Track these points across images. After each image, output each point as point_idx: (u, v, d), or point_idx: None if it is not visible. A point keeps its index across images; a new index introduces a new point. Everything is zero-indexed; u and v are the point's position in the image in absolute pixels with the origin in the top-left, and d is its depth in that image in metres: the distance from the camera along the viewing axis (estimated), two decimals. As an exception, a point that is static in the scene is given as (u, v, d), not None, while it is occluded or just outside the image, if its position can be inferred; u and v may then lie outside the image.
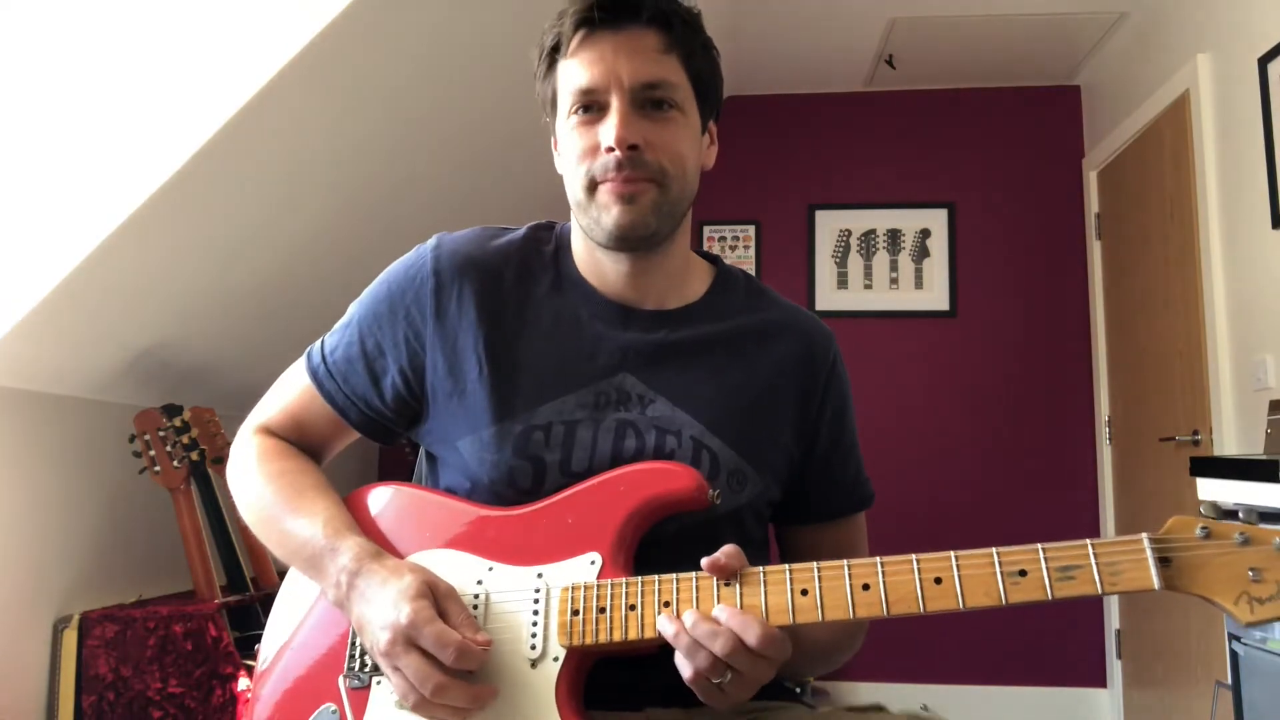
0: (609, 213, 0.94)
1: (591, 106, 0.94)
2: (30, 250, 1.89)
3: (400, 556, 0.93)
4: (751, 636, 0.78)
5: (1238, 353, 2.64)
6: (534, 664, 0.86)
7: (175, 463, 2.25)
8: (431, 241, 1.04)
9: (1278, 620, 0.72)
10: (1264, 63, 2.47)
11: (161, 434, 2.25)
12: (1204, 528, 0.74)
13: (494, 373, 0.98)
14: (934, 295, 3.82)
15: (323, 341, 1.07)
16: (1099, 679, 3.56)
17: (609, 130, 0.92)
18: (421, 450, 1.10)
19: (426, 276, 1.01)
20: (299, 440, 1.08)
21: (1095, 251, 3.69)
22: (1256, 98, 2.50)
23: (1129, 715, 3.40)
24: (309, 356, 1.07)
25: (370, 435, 1.06)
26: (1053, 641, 3.59)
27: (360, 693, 0.91)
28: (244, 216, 2.25)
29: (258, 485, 1.02)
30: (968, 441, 3.71)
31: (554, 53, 0.97)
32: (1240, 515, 0.74)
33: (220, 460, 2.31)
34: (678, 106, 0.95)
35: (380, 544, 0.94)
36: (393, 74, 2.29)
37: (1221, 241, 2.71)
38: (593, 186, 0.95)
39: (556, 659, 0.85)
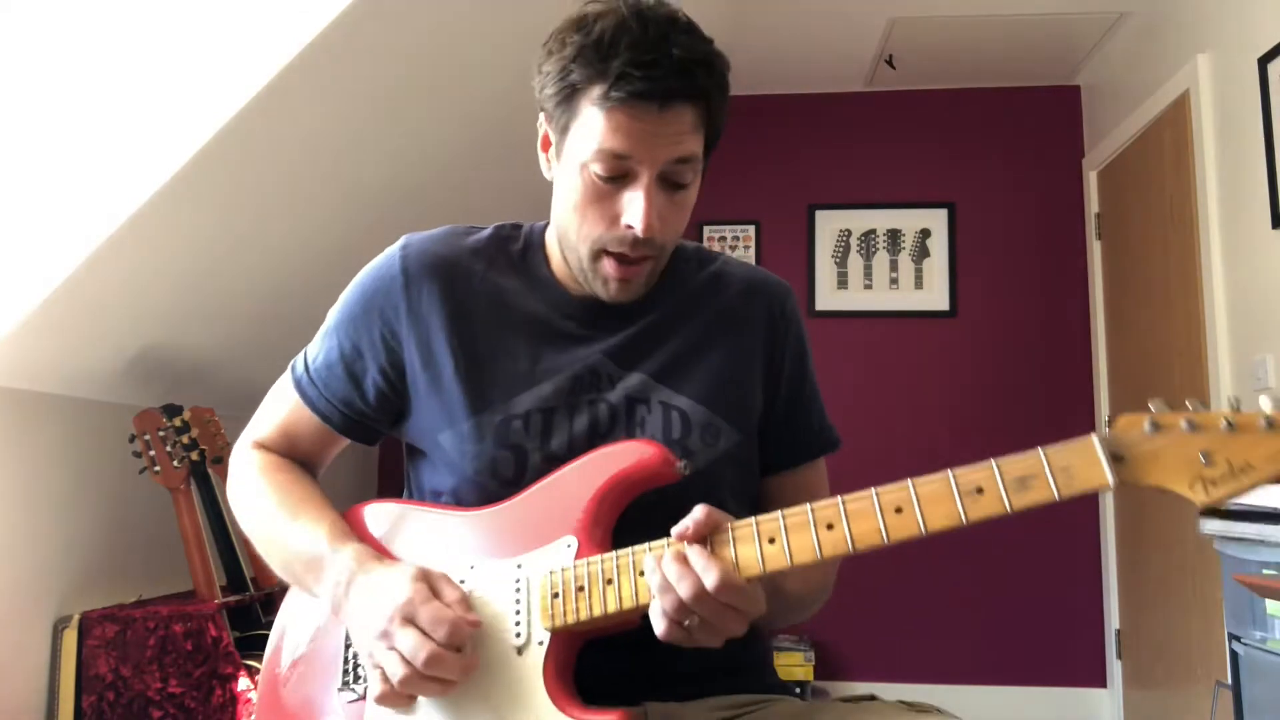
0: (607, 286, 0.97)
1: (616, 169, 0.91)
2: (31, 251, 1.90)
3: None
4: (709, 580, 0.78)
5: (1238, 353, 2.64)
6: (520, 651, 0.87)
7: (175, 463, 2.25)
8: (400, 242, 1.06)
9: (1231, 498, 0.72)
10: (1264, 63, 2.47)
11: (161, 434, 2.25)
12: (1152, 422, 0.74)
13: (468, 366, 0.99)
14: (934, 295, 3.82)
15: (305, 352, 1.09)
16: (1099, 679, 3.56)
17: (636, 214, 0.91)
18: (404, 447, 1.11)
19: (396, 275, 1.03)
20: (292, 454, 1.10)
21: (1095, 251, 3.68)
22: (1256, 98, 2.50)
23: (1129, 715, 3.40)
24: (293, 368, 1.09)
25: (355, 438, 1.08)
26: (1053, 641, 3.59)
27: (356, 704, 0.92)
28: (243, 217, 2.25)
29: (260, 496, 1.04)
30: (967, 442, 3.70)
31: (585, 88, 0.90)
32: (1189, 405, 0.74)
33: (220, 460, 2.31)
34: (693, 180, 0.96)
35: None
36: (391, 76, 2.30)
37: (1221, 241, 2.71)
38: (598, 255, 0.96)
39: (541, 643, 0.86)
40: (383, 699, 0.85)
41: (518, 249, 1.07)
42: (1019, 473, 0.75)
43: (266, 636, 1.06)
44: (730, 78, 0.97)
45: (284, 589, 1.06)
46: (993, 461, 0.77)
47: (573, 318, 1.02)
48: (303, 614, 1.02)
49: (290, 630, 1.03)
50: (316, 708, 0.95)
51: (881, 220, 3.86)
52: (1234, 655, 1.93)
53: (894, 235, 3.85)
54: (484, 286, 1.03)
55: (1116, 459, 0.74)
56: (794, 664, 3.24)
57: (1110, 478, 0.73)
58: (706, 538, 0.83)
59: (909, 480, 0.79)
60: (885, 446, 3.60)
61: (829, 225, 3.89)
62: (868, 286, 3.85)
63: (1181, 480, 0.72)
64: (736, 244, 3.89)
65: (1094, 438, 0.74)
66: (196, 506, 2.28)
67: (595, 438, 0.97)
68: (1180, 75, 2.92)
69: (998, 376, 3.74)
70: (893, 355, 3.78)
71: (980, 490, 0.76)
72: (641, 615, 0.84)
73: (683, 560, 0.80)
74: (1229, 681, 1.96)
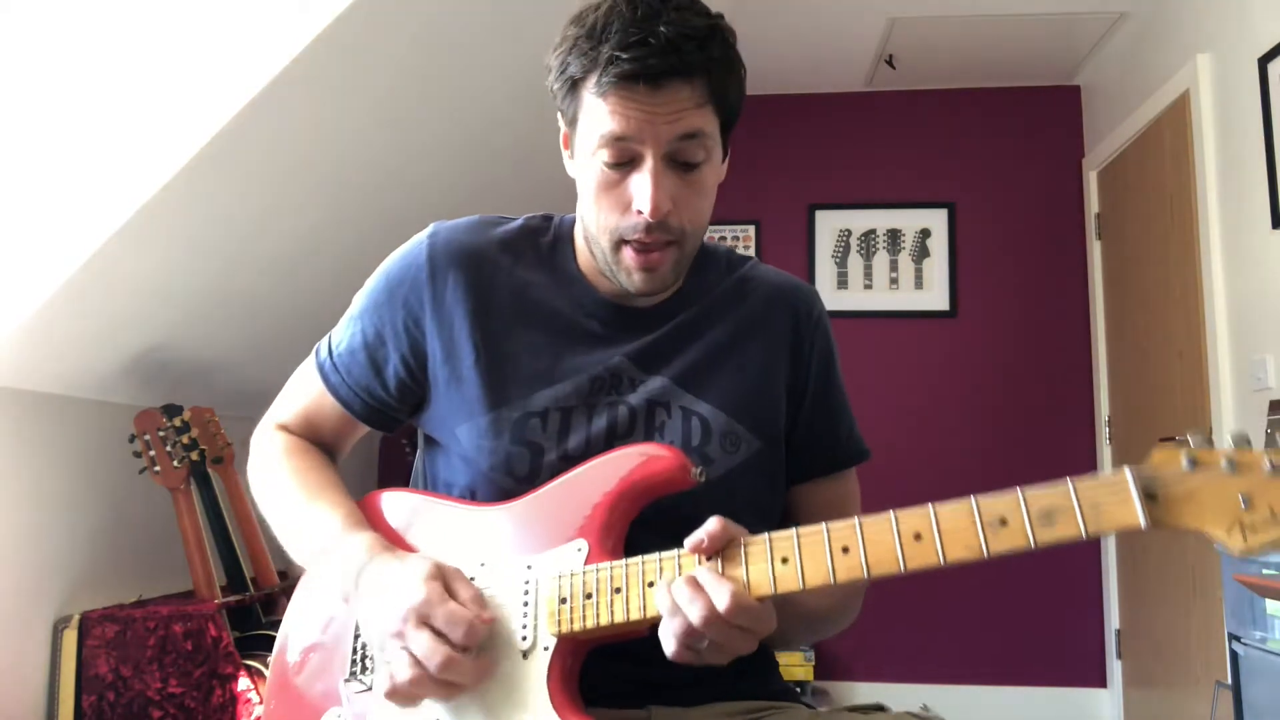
0: (630, 277, 0.95)
1: (621, 154, 0.91)
2: (32, 251, 1.90)
3: None
4: (721, 603, 0.77)
5: (1238, 353, 2.64)
6: (526, 655, 0.86)
7: (175, 463, 2.25)
8: (428, 229, 1.05)
9: (1271, 547, 0.67)
10: (1264, 63, 2.47)
11: (161, 434, 2.25)
12: (1190, 458, 0.69)
13: (489, 360, 0.99)
14: (934, 295, 3.82)
15: (330, 336, 1.09)
16: (1099, 679, 3.56)
17: (643, 196, 0.90)
18: (420, 436, 1.11)
19: (422, 264, 1.02)
20: (313, 438, 1.09)
21: (1095, 251, 3.69)
22: (1256, 98, 2.50)
23: (1129, 715, 3.40)
24: (317, 352, 1.08)
25: (375, 425, 1.08)
26: (1053, 641, 3.59)
27: (363, 695, 0.91)
28: (244, 217, 2.25)
29: (279, 477, 1.04)
30: (967, 442, 3.71)
31: (584, 78, 0.91)
32: (1231, 440, 0.69)
33: (220, 460, 2.31)
34: (706, 159, 0.93)
35: None
36: (391, 75, 2.29)
37: (1221, 241, 2.71)
38: (618, 245, 0.94)
39: (547, 648, 0.86)
40: (391, 695, 0.84)
41: (546, 242, 1.05)
42: (1045, 505, 0.72)
43: (267, 636, 1.06)
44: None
45: (284, 589, 1.06)
46: (1019, 490, 0.73)
47: (596, 317, 1.02)
48: (314, 603, 1.02)
49: (301, 619, 1.03)
50: (324, 697, 0.95)
51: (881, 220, 3.86)
52: (1234, 655, 1.93)
53: (894, 235, 3.85)
54: (510, 280, 1.02)
55: (1149, 497, 0.69)
56: (794, 664, 3.24)
57: (1142, 518, 0.68)
58: (718, 552, 0.82)
59: (930, 505, 0.76)
60: (885, 448, 3.58)
61: (829, 225, 3.89)
62: (868, 286, 3.85)
63: (1219, 524, 0.67)
64: (736, 244, 3.89)
65: (1127, 472, 0.69)
66: (196, 506, 2.28)
67: (613, 440, 0.96)
68: (1180, 75, 2.92)
69: (998, 376, 3.74)
70: (893, 355, 3.78)
71: (1004, 522, 0.73)
72: (649, 626, 0.83)
73: (694, 584, 0.79)
74: (1229, 681, 1.96)
